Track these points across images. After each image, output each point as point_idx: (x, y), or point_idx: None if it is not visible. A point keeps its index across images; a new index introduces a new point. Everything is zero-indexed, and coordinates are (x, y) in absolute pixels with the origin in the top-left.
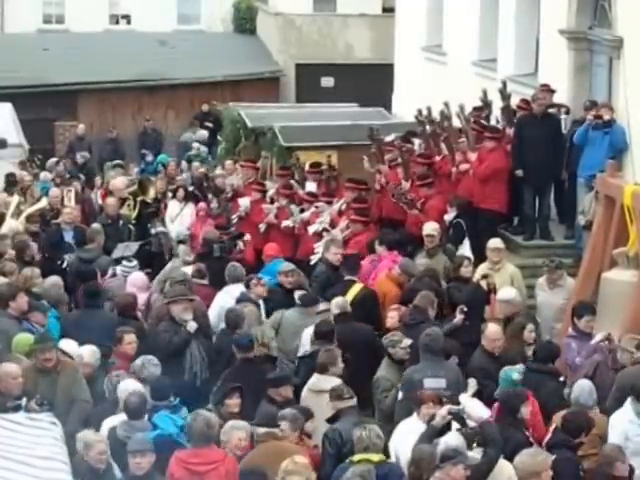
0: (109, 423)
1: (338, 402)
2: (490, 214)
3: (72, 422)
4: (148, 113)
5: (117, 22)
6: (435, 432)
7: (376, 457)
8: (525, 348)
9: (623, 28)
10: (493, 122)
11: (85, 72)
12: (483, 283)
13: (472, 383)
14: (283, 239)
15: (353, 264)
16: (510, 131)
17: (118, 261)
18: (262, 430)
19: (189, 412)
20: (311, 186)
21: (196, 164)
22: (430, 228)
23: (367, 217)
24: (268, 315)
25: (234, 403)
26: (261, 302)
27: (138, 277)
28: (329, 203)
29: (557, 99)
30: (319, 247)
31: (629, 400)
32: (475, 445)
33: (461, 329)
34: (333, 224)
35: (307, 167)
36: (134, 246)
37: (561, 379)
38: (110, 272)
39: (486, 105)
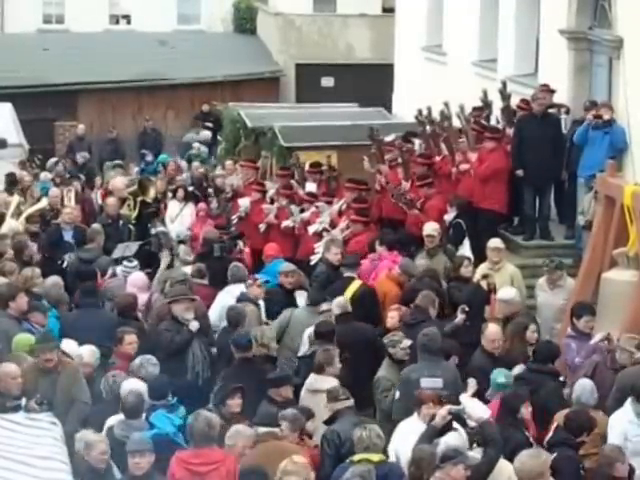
0: (110, 423)
1: (335, 403)
2: (490, 214)
3: (71, 423)
4: (148, 113)
5: (117, 22)
6: (435, 432)
7: (376, 457)
8: (527, 348)
9: (623, 28)
10: (493, 122)
11: (85, 72)
12: (483, 283)
13: (472, 383)
14: (283, 239)
15: (352, 261)
16: (510, 131)
17: (118, 261)
18: (263, 430)
19: (191, 411)
20: (311, 186)
21: (196, 164)
22: (430, 228)
23: (367, 217)
24: (268, 315)
25: (236, 403)
26: (261, 302)
27: (138, 277)
28: (329, 203)
29: (557, 99)
30: (319, 247)
31: (629, 400)
32: (475, 445)
33: (461, 329)
34: (333, 224)
35: (307, 167)
36: (134, 246)
37: (561, 379)
38: (110, 272)
39: (486, 105)
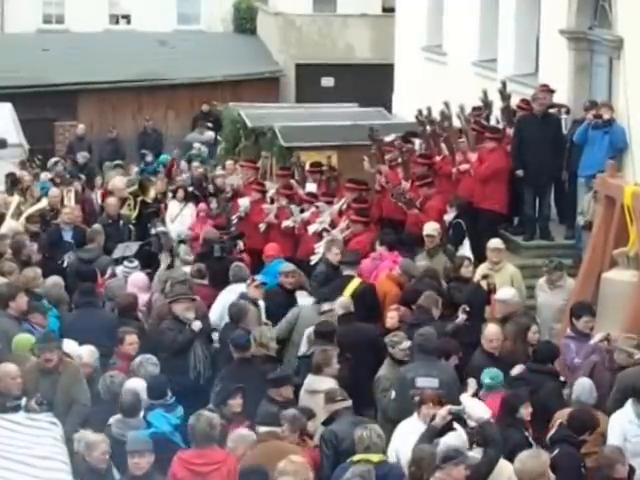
0: (110, 422)
1: (332, 404)
2: (490, 214)
3: (70, 424)
4: (148, 113)
5: (117, 22)
6: (435, 432)
7: (376, 457)
8: (529, 349)
9: (623, 28)
10: (493, 122)
11: (85, 72)
12: (483, 283)
13: (472, 383)
14: (283, 239)
15: (352, 260)
16: (510, 131)
17: (118, 261)
18: (264, 429)
19: (192, 410)
20: (311, 186)
21: (196, 164)
22: (430, 228)
23: (367, 217)
24: (268, 315)
25: (237, 403)
26: (261, 302)
27: (139, 277)
28: (329, 203)
29: (557, 99)
30: (319, 247)
31: (630, 402)
32: (475, 445)
33: (462, 329)
34: (333, 224)
35: (307, 167)
36: (134, 246)
37: (562, 379)
38: (109, 272)
39: (486, 105)
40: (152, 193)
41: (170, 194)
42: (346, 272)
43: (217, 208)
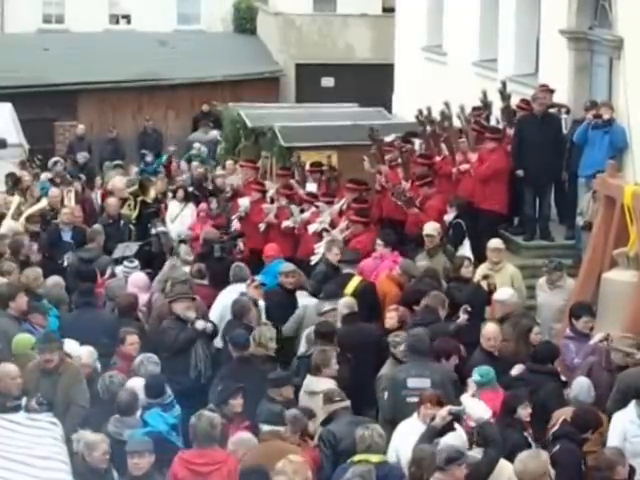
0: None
1: (330, 405)
2: (490, 215)
3: (67, 425)
4: (148, 113)
5: (117, 22)
6: (435, 432)
7: (376, 458)
8: (532, 350)
9: (623, 28)
10: (493, 122)
11: (85, 72)
12: (484, 283)
13: (472, 383)
14: (283, 239)
15: (352, 258)
16: (510, 131)
17: (118, 261)
18: (267, 428)
19: (192, 409)
20: (311, 186)
21: (195, 164)
22: (430, 228)
23: (367, 217)
24: (268, 315)
25: (238, 403)
26: (261, 302)
27: (139, 278)
28: (329, 203)
29: (557, 99)
30: (319, 247)
31: (634, 402)
32: (475, 445)
33: (462, 329)
34: (333, 224)
35: (307, 167)
36: (134, 246)
37: (563, 379)
38: (108, 272)
39: (485, 105)
40: (152, 193)
41: (170, 194)
42: (346, 270)
43: (217, 208)
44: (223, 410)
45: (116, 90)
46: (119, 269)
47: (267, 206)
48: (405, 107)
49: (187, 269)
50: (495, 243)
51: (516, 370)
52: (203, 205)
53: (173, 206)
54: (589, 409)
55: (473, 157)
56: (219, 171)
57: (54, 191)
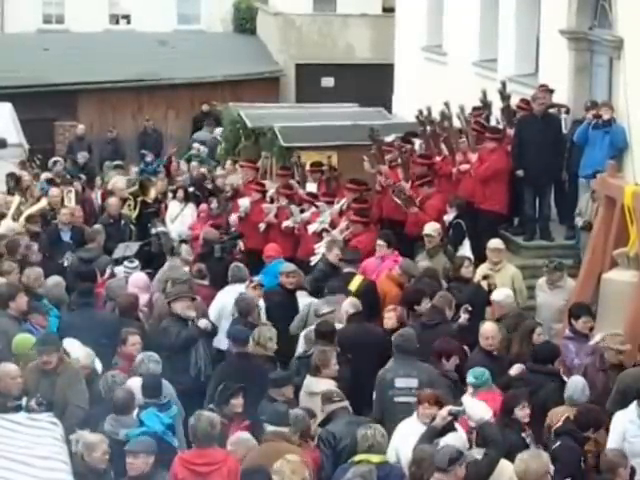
0: None
1: (329, 405)
2: (490, 215)
3: (65, 426)
4: (148, 113)
5: (117, 22)
6: (435, 433)
7: (377, 458)
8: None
9: (623, 28)
10: (493, 122)
11: (85, 72)
12: (484, 284)
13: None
14: (283, 239)
15: (352, 257)
16: (510, 131)
17: (119, 261)
18: (271, 428)
19: (192, 407)
20: (311, 186)
21: (195, 164)
22: (430, 228)
23: (367, 218)
24: (268, 315)
25: (239, 403)
26: (261, 303)
27: (140, 278)
28: (329, 203)
29: (557, 99)
30: (319, 247)
31: (635, 403)
32: (474, 446)
33: (462, 329)
34: (333, 224)
35: (307, 167)
36: (134, 246)
37: (564, 379)
38: (108, 272)
39: (485, 105)
40: (152, 193)
41: (170, 194)
42: (346, 269)
43: (217, 208)
44: (223, 410)
45: (116, 90)
46: (120, 269)
47: (267, 206)
48: (405, 107)
49: (187, 269)
50: (495, 243)
51: (515, 370)
52: (204, 205)
53: (173, 206)
54: (592, 408)
55: (473, 157)
56: (219, 171)
57: (54, 191)
